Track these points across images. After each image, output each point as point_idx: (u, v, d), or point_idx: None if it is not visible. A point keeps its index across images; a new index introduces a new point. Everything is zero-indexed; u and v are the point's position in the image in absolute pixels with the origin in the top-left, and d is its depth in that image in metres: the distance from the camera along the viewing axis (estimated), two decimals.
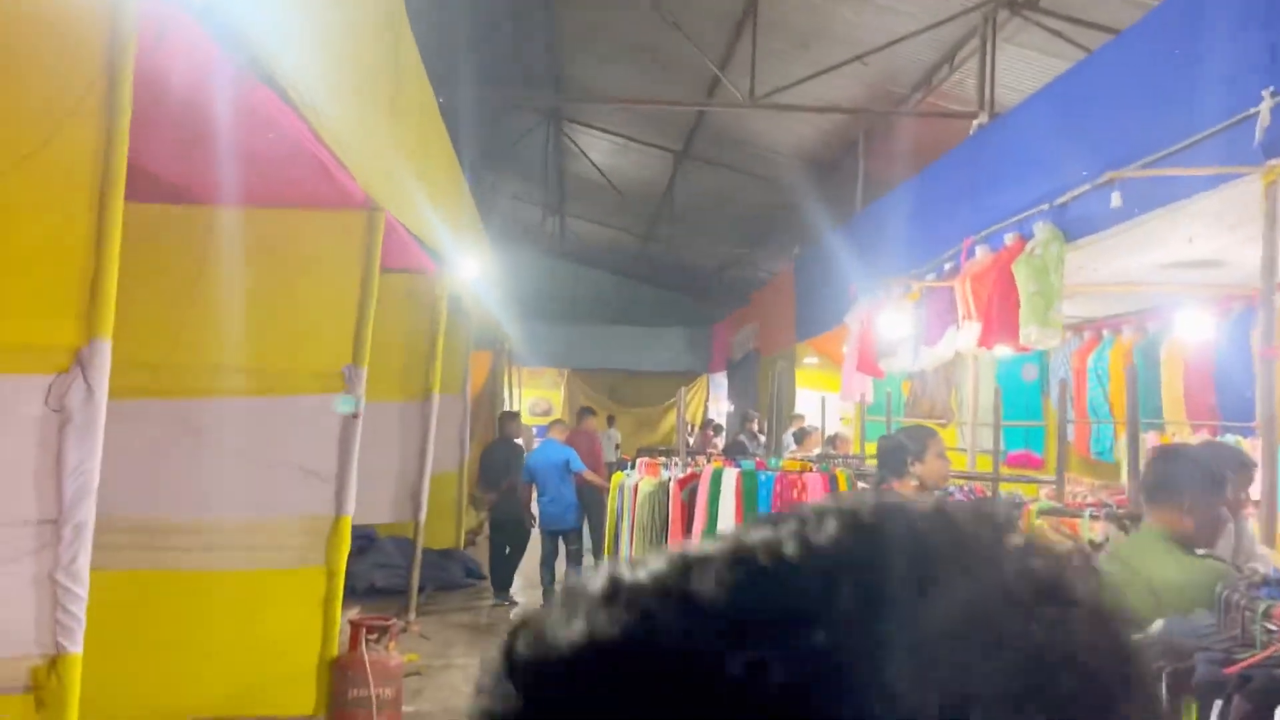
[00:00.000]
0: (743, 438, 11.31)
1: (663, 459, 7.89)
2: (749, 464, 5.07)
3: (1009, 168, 6.38)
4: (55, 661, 2.36)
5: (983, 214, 6.59)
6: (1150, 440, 7.87)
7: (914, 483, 3.64)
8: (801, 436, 9.81)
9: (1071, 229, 5.39)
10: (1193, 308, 6.65)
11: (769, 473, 4.48)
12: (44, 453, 2.35)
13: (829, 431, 9.85)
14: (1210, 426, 7.09)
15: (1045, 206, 5.56)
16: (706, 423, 16.24)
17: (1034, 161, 6.04)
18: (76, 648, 2.37)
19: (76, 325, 2.37)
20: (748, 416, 11.68)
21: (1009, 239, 6.02)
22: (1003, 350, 7.82)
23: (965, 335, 6.34)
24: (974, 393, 9.44)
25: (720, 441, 15.85)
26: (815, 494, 4.39)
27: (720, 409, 18.91)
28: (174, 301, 4.69)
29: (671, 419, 19.38)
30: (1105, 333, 8.57)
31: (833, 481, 4.44)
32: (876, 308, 8.41)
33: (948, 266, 7.05)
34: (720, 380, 19.05)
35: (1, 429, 2.42)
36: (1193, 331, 6.78)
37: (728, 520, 4.50)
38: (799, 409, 11.50)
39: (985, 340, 6.02)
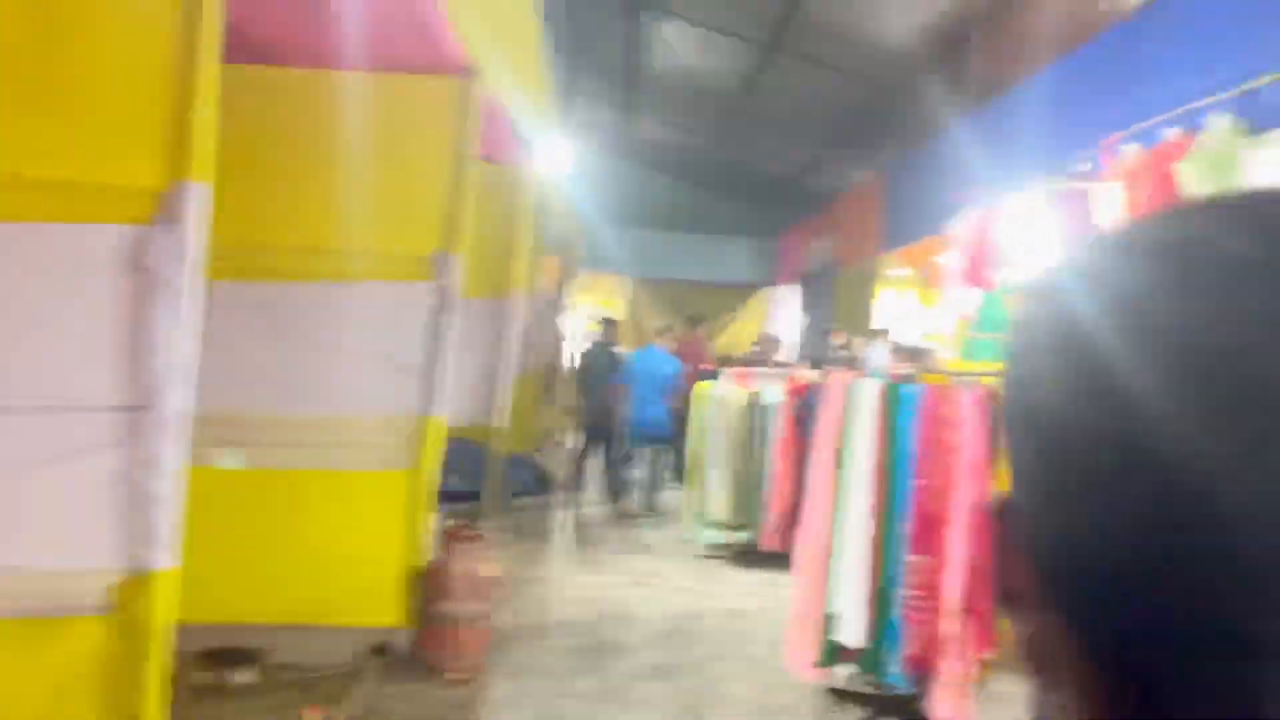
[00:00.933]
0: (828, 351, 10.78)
1: (753, 369, 7.41)
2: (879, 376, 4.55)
3: (1172, 55, 5.65)
4: (139, 578, 1.94)
5: (1132, 108, 5.89)
6: None
7: None
8: (891, 352, 9.27)
9: (1261, 120, 4.71)
10: None
11: (915, 386, 3.96)
12: (127, 324, 1.89)
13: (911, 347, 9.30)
14: None
15: (1226, 95, 4.87)
16: (765, 337, 15.68)
17: (1207, 46, 5.32)
18: (167, 561, 1.94)
19: (163, 165, 1.89)
20: (827, 330, 11.09)
21: (1170, 134, 5.33)
22: None
23: None
24: None
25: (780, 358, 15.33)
26: (970, 412, 3.87)
27: (781, 322, 18.35)
28: (251, 173, 4.21)
29: (737, 330, 18.86)
30: None
31: (992, 396, 3.91)
32: (994, 214, 7.76)
33: (1085, 168, 6.37)
34: (783, 293, 18.45)
35: (74, 294, 1.95)
36: None
37: (865, 439, 3.99)
38: (881, 324, 10.90)
39: None
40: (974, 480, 3.85)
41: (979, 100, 9.15)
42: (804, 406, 5.17)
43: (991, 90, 8.85)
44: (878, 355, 9.90)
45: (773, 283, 19.23)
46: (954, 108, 9.69)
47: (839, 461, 4.17)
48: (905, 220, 10.58)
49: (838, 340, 11.06)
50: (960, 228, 8.42)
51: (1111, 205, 5.74)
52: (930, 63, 10.39)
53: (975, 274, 8.04)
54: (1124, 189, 5.63)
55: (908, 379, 4.24)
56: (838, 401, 4.16)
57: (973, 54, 9.37)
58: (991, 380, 4.94)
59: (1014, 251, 7.28)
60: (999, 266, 7.68)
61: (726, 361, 9.14)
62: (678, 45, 12.87)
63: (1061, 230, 6.39)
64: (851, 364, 10.36)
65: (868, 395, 4.02)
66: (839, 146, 14.49)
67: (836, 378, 4.25)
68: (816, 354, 11.36)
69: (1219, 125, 4.87)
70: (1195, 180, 4.87)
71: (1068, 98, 6.94)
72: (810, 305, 15.56)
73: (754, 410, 6.59)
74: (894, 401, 3.91)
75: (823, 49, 11.34)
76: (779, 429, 5.57)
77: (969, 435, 3.87)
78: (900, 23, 10.13)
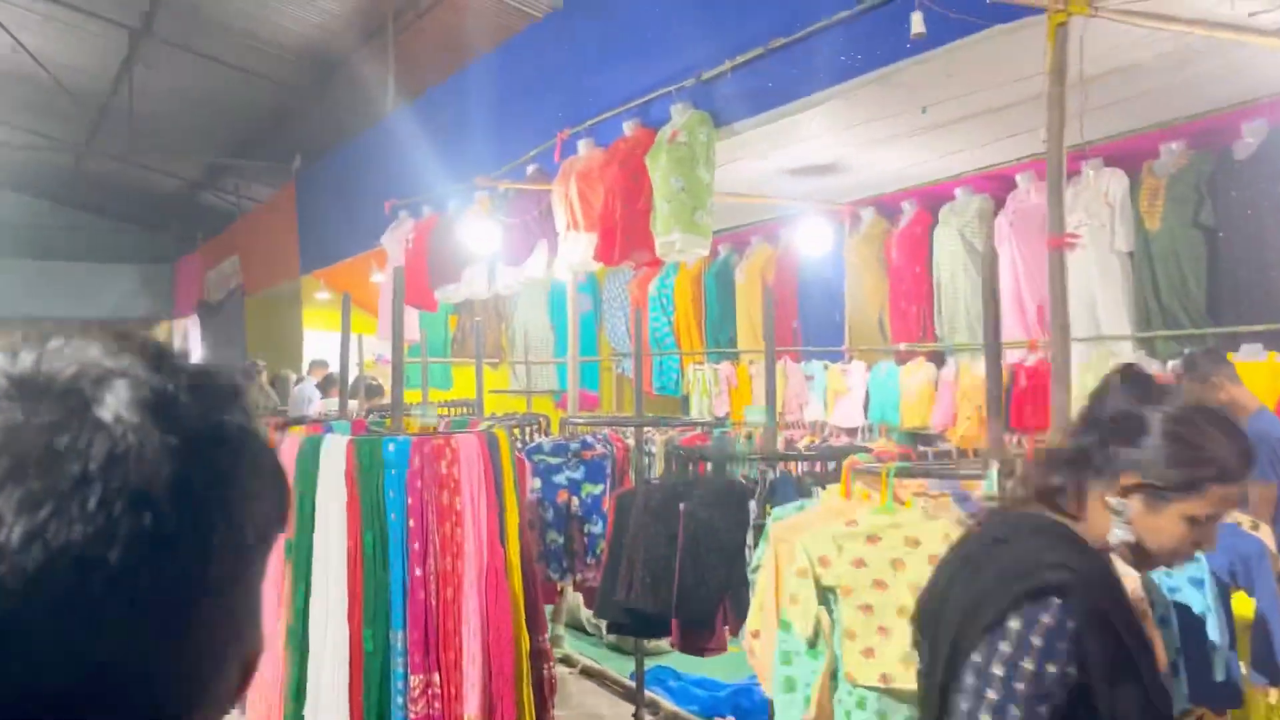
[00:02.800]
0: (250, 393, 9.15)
1: None
2: (341, 426, 3.38)
3: (621, 44, 5.24)
4: None
5: (581, 102, 5.41)
6: (725, 371, 7.40)
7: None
8: (328, 386, 8.03)
9: (723, 110, 4.39)
10: (808, 220, 6.08)
11: (401, 437, 2.87)
12: None
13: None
14: (792, 353, 6.71)
15: (687, 83, 4.50)
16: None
17: (657, 36, 4.96)
18: None
19: None
20: (254, 368, 9.47)
21: (629, 127, 4.90)
22: (571, 275, 6.77)
23: (574, 249, 5.14)
24: (535, 328, 8.35)
25: None
26: (473, 463, 2.88)
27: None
28: None
29: None
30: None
31: (492, 443, 2.96)
32: (430, 224, 6.93)
33: (530, 170, 5.79)
34: (187, 327, 16.13)
35: None
36: (806, 246, 6.21)
37: (331, 517, 2.82)
38: (315, 354, 9.56)
39: (605, 253, 4.86)
40: (484, 551, 2.88)
41: (404, 98, 8.31)
42: None
43: (419, 87, 8.06)
44: (311, 394, 8.60)
45: (170, 316, 16.75)
46: (374, 107, 8.75)
47: (287, 551, 2.94)
48: (326, 236, 9.40)
49: (263, 380, 9.46)
50: (391, 242, 7.50)
51: (570, 208, 5.18)
52: (343, 59, 9.33)
53: (415, 293, 7.15)
54: (580, 188, 5.10)
55: (386, 428, 3.15)
56: (287, 461, 2.92)
57: (392, 48, 8.50)
58: (485, 421, 4.07)
59: (457, 264, 6.52)
60: (441, 282, 6.88)
61: None
62: (23, 30, 10.25)
63: (513, 236, 5.73)
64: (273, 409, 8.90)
65: (331, 455, 2.85)
66: (240, 156, 12.80)
67: (286, 435, 3.01)
68: None
69: (683, 115, 4.49)
70: (666, 174, 4.43)
71: (508, 92, 6.34)
72: (215, 340, 13.55)
73: None
74: (371, 462, 2.79)
75: (203, 40, 9.68)
76: None
77: (473, 495, 2.89)
78: (304, 14, 8.93)
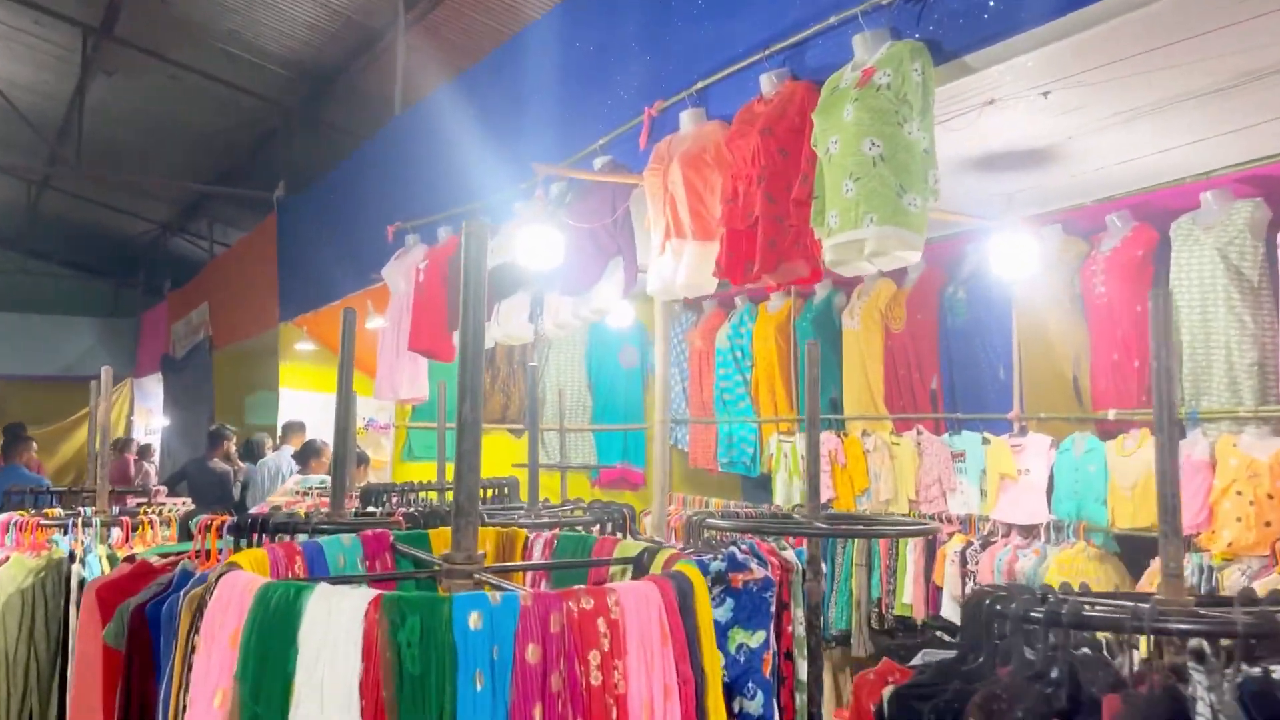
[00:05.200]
0: (216, 463, 7.38)
1: (58, 512, 4.02)
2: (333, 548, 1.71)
3: None
4: None
5: (682, 62, 3.86)
6: (829, 443, 5.77)
7: None
8: (307, 456, 6.32)
9: (948, 35, 2.82)
10: (967, 241, 4.48)
11: (500, 593, 1.20)
12: None
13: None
14: (929, 422, 5.09)
15: (849, 12, 2.92)
16: (125, 443, 11.60)
17: None
18: None
19: None
20: (222, 434, 7.71)
21: (769, 81, 3.32)
22: (613, 320, 5.19)
23: (677, 265, 3.52)
24: (560, 387, 6.69)
25: (153, 470, 11.53)
26: (654, 648, 1.23)
27: (152, 424, 14.26)
28: None
29: (79, 440, 14.22)
30: (739, 299, 6.33)
31: (685, 598, 1.31)
32: (449, 248, 5.33)
33: (600, 162, 4.21)
34: (149, 386, 14.40)
35: None
36: (954, 278, 4.61)
37: None
38: (293, 416, 7.82)
39: (734, 267, 3.24)
40: None
41: (411, 103, 6.75)
42: (146, 622, 2.12)
43: (423, 90, 6.51)
44: (283, 465, 6.89)
45: (132, 373, 15.04)
46: (376, 118, 7.20)
47: None
48: (312, 275, 7.77)
49: (230, 448, 7.69)
50: (394, 274, 5.89)
51: (669, 207, 3.59)
52: (342, 65, 7.79)
53: (425, 338, 5.51)
54: (687, 178, 3.52)
55: (457, 567, 1.48)
56: (224, 634, 1.24)
57: (402, 41, 6.95)
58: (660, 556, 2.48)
59: (491, 296, 4.91)
60: (460, 324, 5.24)
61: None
62: None
63: (577, 252, 4.12)
64: (229, 484, 7.16)
65: (329, 639, 1.17)
66: (218, 185, 11.17)
67: (232, 577, 1.30)
68: (207, 467, 7.69)
69: (874, 46, 2.92)
70: (853, 137, 2.83)
71: (562, 70, 4.78)
72: (179, 401, 11.80)
73: (49, 598, 3.29)
74: (427, 658, 1.13)
75: (172, 43, 8.13)
76: (84, 657, 2.40)
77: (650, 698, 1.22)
78: (298, 13, 7.41)
